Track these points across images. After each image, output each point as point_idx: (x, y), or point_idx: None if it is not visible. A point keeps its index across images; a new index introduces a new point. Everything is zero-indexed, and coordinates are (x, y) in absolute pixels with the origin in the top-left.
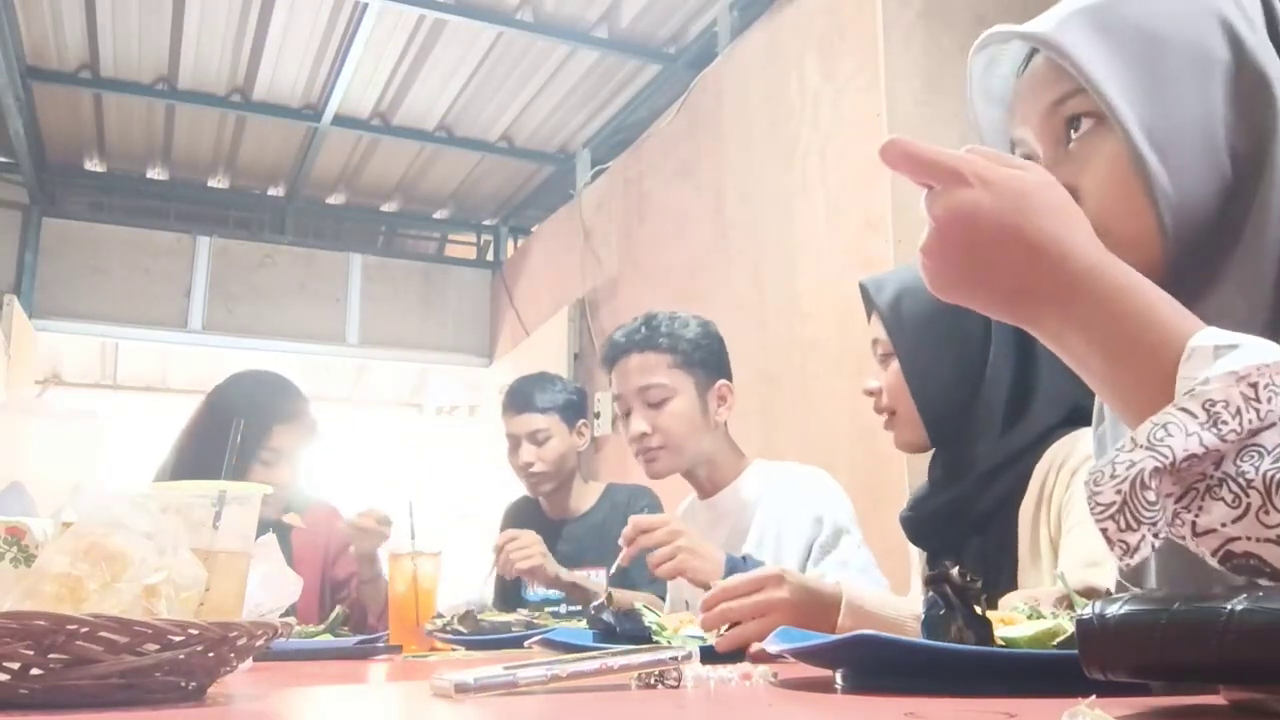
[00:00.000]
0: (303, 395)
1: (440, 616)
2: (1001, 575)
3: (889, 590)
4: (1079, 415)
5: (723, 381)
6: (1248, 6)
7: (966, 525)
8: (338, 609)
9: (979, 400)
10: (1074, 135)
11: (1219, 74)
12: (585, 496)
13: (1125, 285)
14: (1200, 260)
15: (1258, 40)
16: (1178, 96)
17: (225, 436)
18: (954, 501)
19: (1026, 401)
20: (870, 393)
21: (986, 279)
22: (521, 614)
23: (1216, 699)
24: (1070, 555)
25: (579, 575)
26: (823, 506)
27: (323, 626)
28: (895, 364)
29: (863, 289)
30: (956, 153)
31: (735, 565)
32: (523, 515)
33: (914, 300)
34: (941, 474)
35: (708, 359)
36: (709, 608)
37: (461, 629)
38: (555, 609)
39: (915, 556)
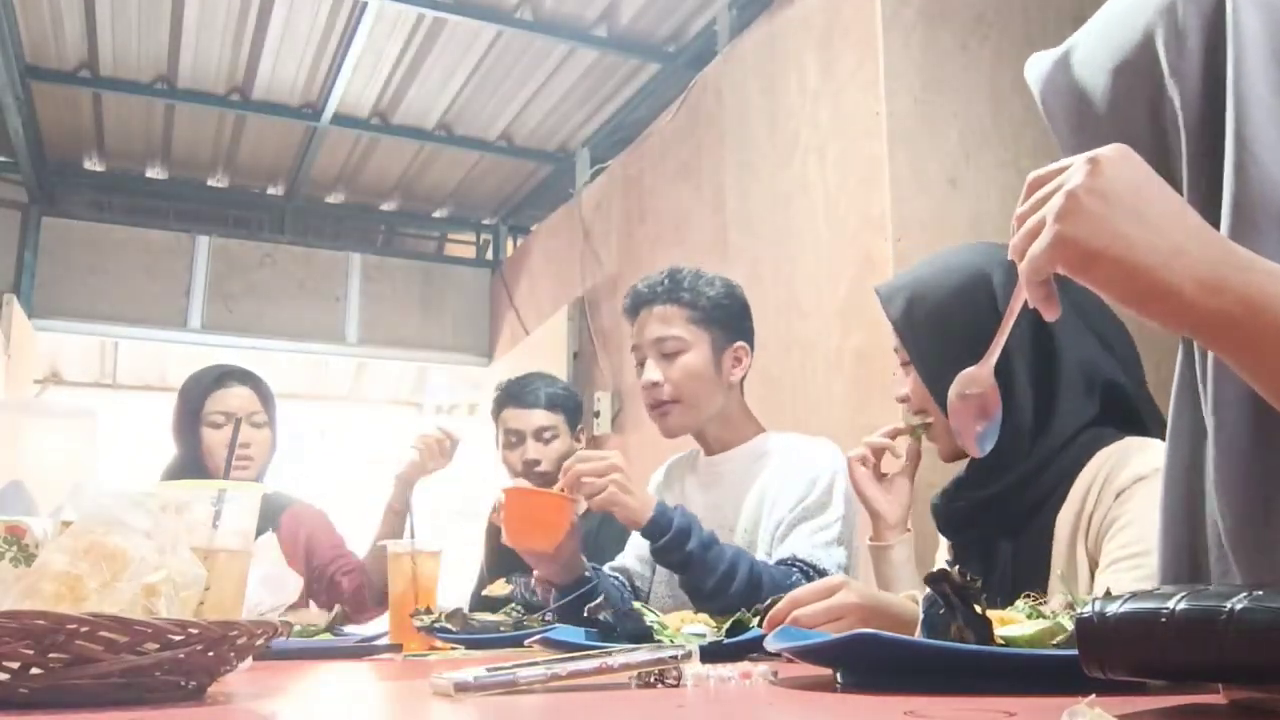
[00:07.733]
0: (248, 372)
1: (429, 613)
2: (1031, 583)
3: (843, 571)
4: (1112, 408)
5: (740, 343)
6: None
7: (996, 526)
8: (337, 608)
9: (1010, 398)
10: None
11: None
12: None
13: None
14: None
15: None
16: None
17: (183, 425)
18: (987, 501)
19: (1051, 398)
20: (902, 400)
21: (1149, 228)
22: (510, 612)
23: (1216, 698)
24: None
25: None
26: (820, 469)
27: (323, 626)
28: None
29: (878, 295)
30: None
31: (664, 511)
32: None
33: (924, 303)
34: (976, 470)
35: (727, 319)
36: (778, 619)
37: (450, 626)
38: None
39: (942, 547)
